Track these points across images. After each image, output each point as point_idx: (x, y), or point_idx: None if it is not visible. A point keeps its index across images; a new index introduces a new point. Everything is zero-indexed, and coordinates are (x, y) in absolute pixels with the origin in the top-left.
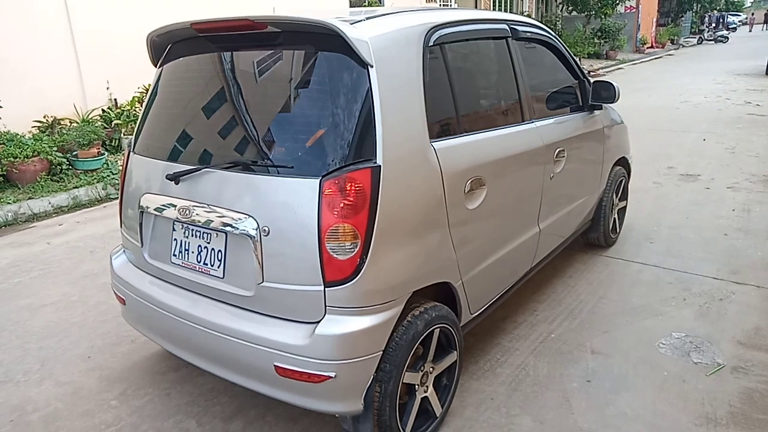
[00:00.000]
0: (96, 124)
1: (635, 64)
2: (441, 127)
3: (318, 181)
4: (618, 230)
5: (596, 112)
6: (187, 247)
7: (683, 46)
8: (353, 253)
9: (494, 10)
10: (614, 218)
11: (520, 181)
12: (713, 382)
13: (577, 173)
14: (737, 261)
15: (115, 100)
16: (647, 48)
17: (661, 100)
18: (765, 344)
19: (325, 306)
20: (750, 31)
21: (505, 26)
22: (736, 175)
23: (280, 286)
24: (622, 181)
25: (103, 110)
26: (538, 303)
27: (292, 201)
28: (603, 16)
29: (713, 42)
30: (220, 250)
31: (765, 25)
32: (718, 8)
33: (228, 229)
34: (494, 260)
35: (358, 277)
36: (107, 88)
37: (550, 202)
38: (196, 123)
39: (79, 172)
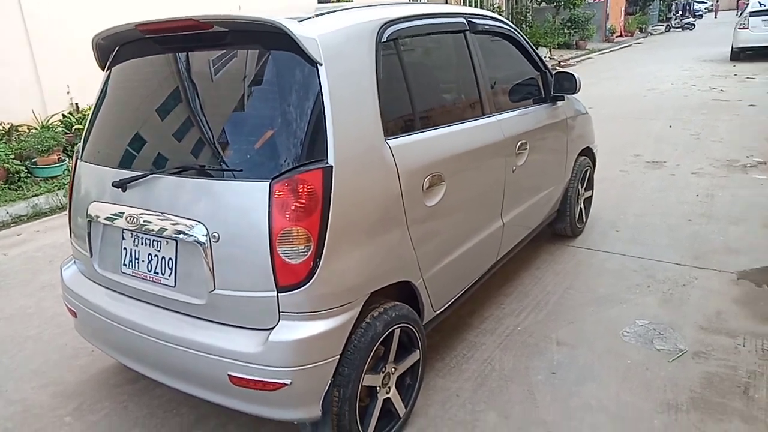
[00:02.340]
0: (56, 130)
1: (605, 53)
2: (397, 125)
3: (268, 183)
4: (584, 220)
5: (559, 104)
6: (137, 256)
7: (651, 34)
8: (306, 257)
9: (464, 4)
10: (580, 208)
11: (481, 175)
12: (675, 369)
13: (541, 165)
14: (700, 246)
15: (77, 104)
16: (616, 37)
17: (629, 88)
18: (725, 328)
19: (279, 312)
20: (716, 17)
21: (462, 20)
22: (700, 160)
23: (232, 293)
24: (587, 171)
25: (64, 115)
26: (505, 296)
27: (242, 205)
28: (572, 7)
29: (680, 29)
30: (170, 258)
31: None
32: None
33: (177, 236)
34: (456, 256)
35: (312, 281)
36: (68, 93)
37: (513, 195)
38: (142, 128)
39: (38, 179)
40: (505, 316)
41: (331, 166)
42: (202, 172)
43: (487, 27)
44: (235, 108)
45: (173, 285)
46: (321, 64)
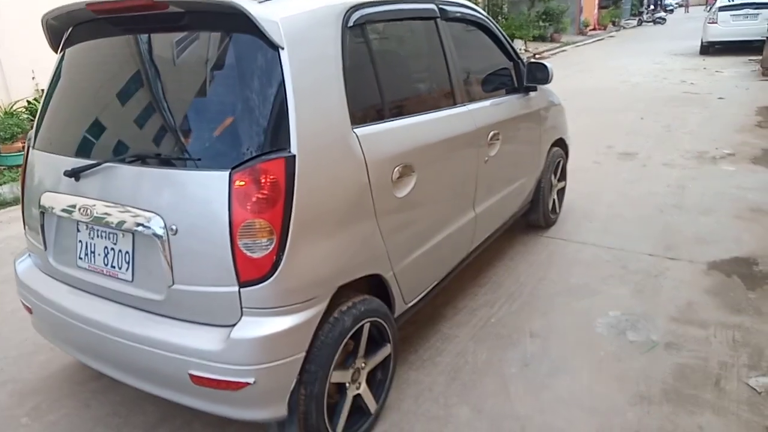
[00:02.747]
0: (21, 117)
1: (578, 46)
2: (364, 113)
3: (227, 173)
4: (558, 211)
5: (532, 94)
6: (93, 250)
7: (624, 28)
8: (269, 250)
9: None
10: (554, 199)
11: (452, 166)
12: (648, 360)
13: (514, 156)
14: (672, 237)
15: (43, 90)
16: (590, 30)
17: (602, 81)
18: (697, 319)
19: (241, 307)
20: (686, 12)
21: (433, 6)
22: (671, 152)
23: (191, 288)
24: (560, 161)
25: (29, 101)
26: (479, 287)
27: (201, 196)
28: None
29: (652, 23)
30: (127, 252)
31: (706, 6)
32: None
33: (134, 228)
34: (428, 248)
35: (275, 275)
36: (33, 78)
37: (485, 186)
38: (96, 114)
39: (2, 168)
40: (479, 308)
41: (294, 156)
42: (159, 161)
43: (458, 14)
44: (193, 94)
45: (131, 280)
46: (283, 48)
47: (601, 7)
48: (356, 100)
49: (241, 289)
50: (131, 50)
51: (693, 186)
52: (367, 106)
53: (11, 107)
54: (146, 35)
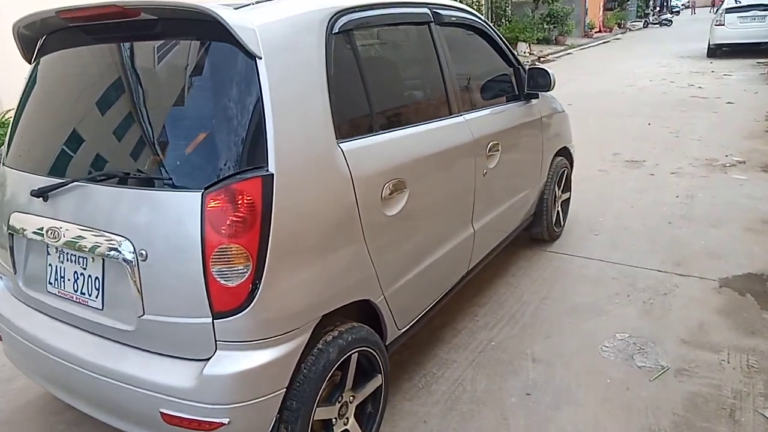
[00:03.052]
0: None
1: (584, 48)
2: (351, 126)
3: (200, 194)
4: (562, 223)
5: (533, 101)
6: (63, 274)
7: (630, 30)
8: (244, 278)
9: None
10: (558, 211)
11: (448, 180)
12: (657, 388)
13: (515, 167)
14: (681, 251)
15: None
16: (595, 32)
17: (608, 84)
18: (709, 342)
19: (216, 341)
20: (693, 13)
21: (426, 10)
22: (679, 159)
23: (162, 319)
24: (564, 172)
25: None
26: (479, 307)
27: (172, 219)
28: (550, 2)
29: (658, 25)
30: (97, 278)
31: (712, 8)
32: None
33: (103, 253)
34: (422, 269)
35: (251, 305)
36: None
37: (484, 199)
38: (66, 129)
39: None
40: (478, 330)
41: (272, 174)
42: (128, 181)
43: (454, 19)
44: (166, 108)
45: (101, 308)
46: (260, 58)
47: (606, 9)
48: (342, 112)
49: (215, 321)
50: (104, 61)
51: (702, 196)
52: (355, 118)
53: (3, 116)
54: (119, 45)
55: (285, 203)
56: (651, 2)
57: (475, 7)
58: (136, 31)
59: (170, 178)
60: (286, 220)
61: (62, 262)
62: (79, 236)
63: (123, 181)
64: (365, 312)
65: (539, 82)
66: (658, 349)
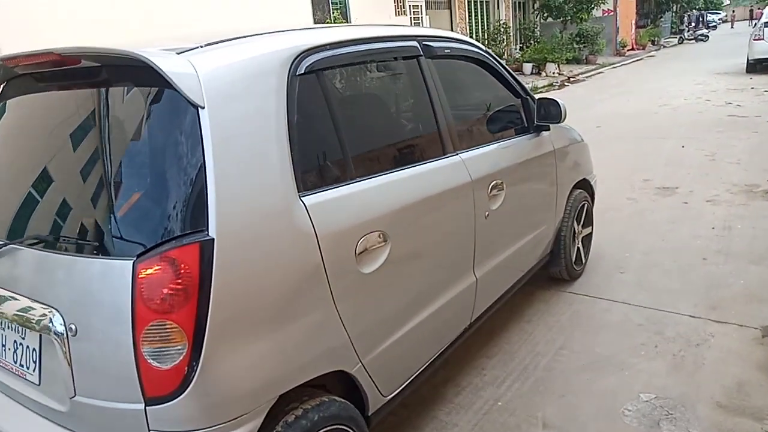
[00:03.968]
0: None
1: (615, 67)
2: (319, 176)
3: (131, 263)
4: (584, 260)
5: (544, 134)
6: (3, 342)
7: (664, 47)
8: (179, 360)
9: (469, 20)
10: (578, 248)
11: (440, 227)
12: None
13: (524, 205)
14: (717, 292)
15: None
16: (627, 50)
17: (640, 104)
18: (749, 406)
19: (149, 430)
20: (732, 27)
21: (414, 44)
22: (716, 185)
23: (93, 403)
24: (584, 206)
25: None
26: (487, 358)
27: (101, 290)
28: (579, 21)
29: (694, 41)
30: (35, 350)
31: (750, 21)
32: (697, 7)
33: (37, 324)
34: (410, 329)
35: (188, 390)
36: None
37: (488, 244)
38: (11, 185)
39: None
40: (485, 386)
41: (212, 239)
42: (58, 245)
43: (448, 51)
44: (101, 163)
45: (38, 383)
46: (202, 108)
47: (638, 27)
48: (307, 161)
49: (148, 408)
50: (46, 112)
51: (741, 227)
52: (324, 166)
53: None
54: (62, 95)
55: (229, 271)
56: (686, 17)
57: (503, 29)
58: (82, 78)
59: (100, 244)
60: (231, 290)
61: (3, 329)
62: (14, 305)
63: (52, 245)
64: (342, 380)
65: (550, 112)
66: (688, 414)
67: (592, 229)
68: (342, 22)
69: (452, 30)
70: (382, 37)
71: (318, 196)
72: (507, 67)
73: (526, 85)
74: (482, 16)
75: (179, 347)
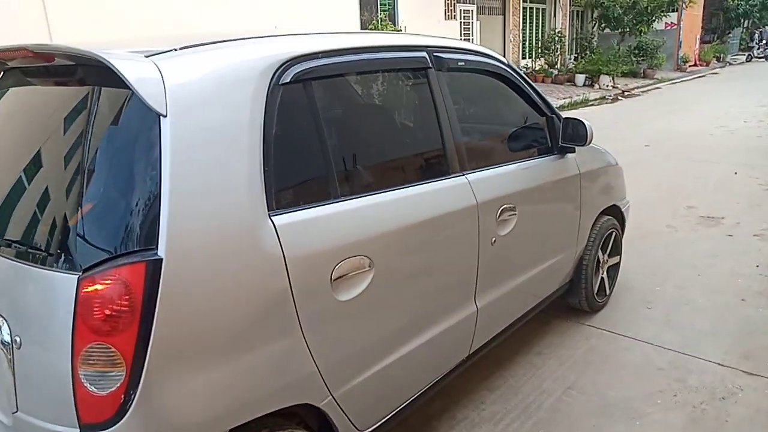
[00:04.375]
0: None
1: (674, 83)
2: (296, 194)
3: (76, 277)
4: (608, 292)
5: (570, 156)
6: None
7: (730, 64)
8: (116, 386)
9: (523, 28)
10: (602, 278)
11: (436, 253)
12: None
13: (538, 232)
14: (752, 340)
15: None
16: (689, 66)
17: (696, 124)
18: None
19: None
20: None
21: (423, 54)
22: (766, 219)
23: (32, 421)
24: (612, 233)
25: None
26: (489, 391)
27: (45, 302)
28: (639, 33)
29: (764, 59)
30: None
31: None
32: None
33: None
34: (394, 360)
35: (124, 419)
36: None
37: (493, 272)
38: None
39: None
40: (482, 422)
41: (160, 259)
42: (7, 251)
43: (462, 64)
44: (58, 167)
45: None
46: (164, 116)
47: (703, 42)
48: (283, 178)
49: None
50: (21, 110)
51: None
52: (304, 184)
53: None
54: (42, 90)
55: (180, 294)
56: (756, 34)
57: (557, 38)
58: (57, 76)
59: (50, 254)
60: (181, 314)
61: None
62: None
63: (2, 251)
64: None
65: (576, 133)
66: None
67: (620, 258)
68: (387, 24)
69: (505, 37)
70: (387, 46)
71: (291, 216)
72: (531, 82)
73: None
74: (537, 24)
75: (117, 373)
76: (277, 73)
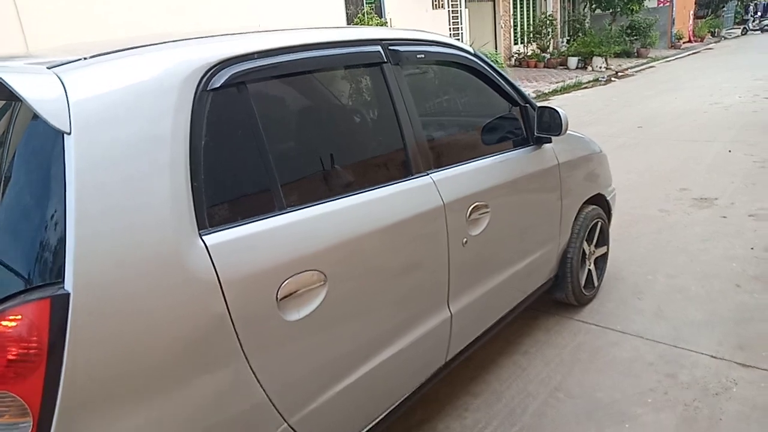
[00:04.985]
0: None
1: (669, 61)
2: (232, 209)
3: None
4: (596, 284)
5: (547, 146)
6: None
7: (725, 39)
8: None
9: (514, 14)
10: (589, 269)
11: (400, 260)
12: None
13: (515, 228)
14: (747, 328)
15: None
16: (684, 43)
17: (689, 102)
18: None
19: None
20: None
21: (377, 49)
22: (762, 197)
23: None
24: (597, 223)
25: None
26: (472, 397)
27: None
28: (630, 13)
29: (759, 32)
30: None
31: None
32: None
33: None
34: (359, 377)
35: None
36: None
37: (467, 274)
38: None
39: None
40: (463, 430)
41: (68, 294)
42: None
43: (422, 56)
44: None
45: None
46: (68, 134)
47: (697, 17)
48: (216, 192)
49: None
50: None
51: None
52: (241, 197)
53: None
54: None
55: (92, 332)
56: (751, 7)
57: (548, 21)
58: None
59: None
60: (95, 354)
61: None
62: None
63: None
64: None
65: (551, 123)
66: None
67: (608, 249)
68: (373, 17)
69: (495, 24)
70: (336, 42)
71: (227, 234)
72: (501, 71)
73: (569, 81)
74: (528, 8)
75: (24, 424)
76: (205, 78)
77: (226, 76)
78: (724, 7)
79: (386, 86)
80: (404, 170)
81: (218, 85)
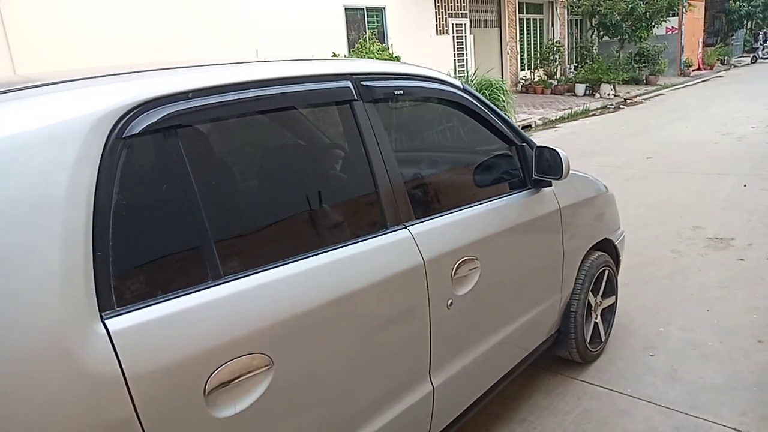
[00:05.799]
0: None
1: (678, 88)
2: (151, 281)
3: None
4: (603, 338)
5: (545, 190)
6: None
7: (735, 67)
8: None
9: (521, 40)
10: (595, 323)
11: (369, 331)
12: None
13: (510, 284)
14: None
15: None
16: (693, 71)
17: (700, 132)
18: None
19: None
20: None
21: (346, 84)
22: None
23: None
24: (604, 272)
25: None
26: None
27: None
28: (638, 40)
29: None
30: None
31: None
32: None
33: None
34: None
35: None
36: None
37: (452, 341)
38: None
39: None
40: None
41: None
42: None
43: (399, 93)
44: None
45: None
46: None
47: (706, 45)
48: (129, 263)
49: None
50: None
51: None
52: (161, 268)
53: None
54: None
55: None
56: (761, 35)
57: (555, 48)
58: None
59: None
60: None
61: None
62: None
63: None
64: None
65: (551, 164)
66: None
67: (616, 299)
68: (375, 43)
69: (502, 50)
70: (295, 78)
71: (138, 315)
72: (494, 107)
73: (577, 108)
74: (535, 34)
75: None
76: (121, 124)
77: (150, 121)
78: (732, 35)
79: (357, 127)
80: (376, 223)
81: (137, 132)
